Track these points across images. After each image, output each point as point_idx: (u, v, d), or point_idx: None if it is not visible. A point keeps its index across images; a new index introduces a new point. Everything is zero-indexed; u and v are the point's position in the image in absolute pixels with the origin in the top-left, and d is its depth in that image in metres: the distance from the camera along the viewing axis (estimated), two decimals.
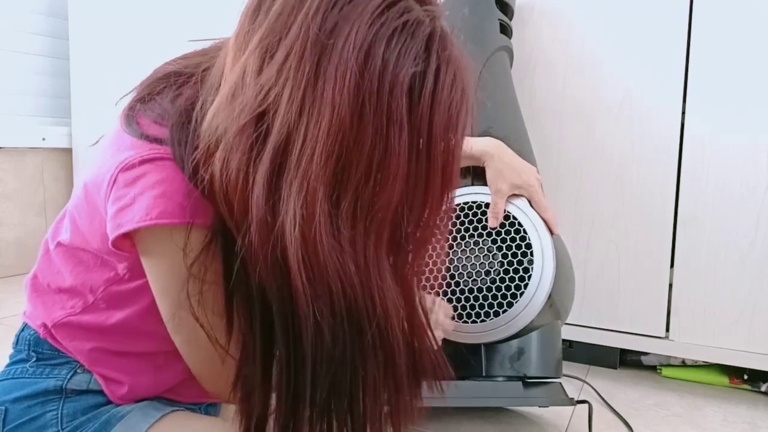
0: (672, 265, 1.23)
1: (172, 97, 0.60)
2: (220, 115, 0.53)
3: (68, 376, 0.64)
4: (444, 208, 0.59)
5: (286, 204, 0.50)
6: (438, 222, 0.60)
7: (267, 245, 0.51)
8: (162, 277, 0.58)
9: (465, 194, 0.96)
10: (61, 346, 0.65)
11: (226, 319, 0.56)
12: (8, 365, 0.67)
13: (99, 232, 0.61)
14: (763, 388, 1.20)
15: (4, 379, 0.66)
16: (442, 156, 0.55)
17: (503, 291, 0.89)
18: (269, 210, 0.50)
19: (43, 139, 2.09)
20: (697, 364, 1.28)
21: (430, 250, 0.61)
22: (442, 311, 0.85)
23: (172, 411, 0.65)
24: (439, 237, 0.62)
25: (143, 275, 0.60)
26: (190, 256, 0.55)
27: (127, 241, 0.57)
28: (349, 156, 0.50)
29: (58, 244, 0.66)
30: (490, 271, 0.91)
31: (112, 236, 0.56)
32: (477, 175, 0.98)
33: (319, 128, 0.49)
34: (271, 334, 0.55)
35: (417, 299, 0.61)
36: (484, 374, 0.91)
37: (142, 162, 0.56)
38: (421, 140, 0.53)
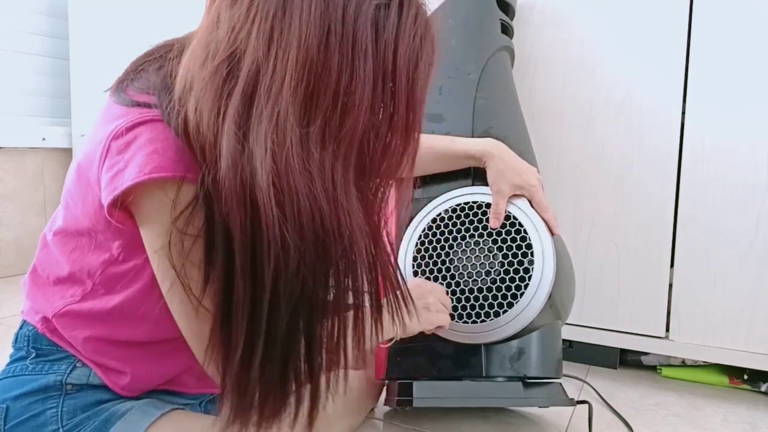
0: (672, 265, 1.23)
1: (156, 68, 0.62)
2: (193, 61, 0.56)
3: (68, 371, 0.64)
4: (410, 141, 0.61)
5: (256, 131, 0.52)
6: (404, 156, 0.62)
7: (236, 174, 0.52)
8: (157, 237, 0.58)
9: (465, 194, 0.96)
10: (61, 340, 0.65)
11: (203, 270, 0.56)
12: (8, 364, 0.68)
13: (92, 208, 0.61)
14: (763, 388, 1.20)
15: (5, 378, 0.66)
16: (406, 90, 0.58)
17: (503, 291, 0.89)
18: (240, 139, 0.52)
19: (43, 139, 2.09)
20: (697, 364, 1.28)
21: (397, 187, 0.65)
22: (435, 296, 0.86)
23: (172, 409, 0.65)
24: (407, 171, 0.64)
25: (138, 254, 0.60)
26: (177, 210, 0.55)
27: (123, 213, 0.58)
28: (317, 83, 0.53)
29: (55, 233, 0.67)
30: (490, 272, 0.91)
31: (107, 201, 0.56)
32: (477, 175, 0.98)
33: (287, 57, 0.52)
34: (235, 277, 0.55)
35: (383, 229, 0.64)
36: (484, 374, 0.91)
37: (133, 126, 0.57)
38: (385, 71, 0.56)
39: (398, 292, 0.66)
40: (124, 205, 0.57)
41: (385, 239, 0.64)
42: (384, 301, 0.64)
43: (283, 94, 0.53)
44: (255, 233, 0.52)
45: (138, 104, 0.59)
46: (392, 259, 0.65)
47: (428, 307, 0.83)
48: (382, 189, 0.63)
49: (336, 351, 0.58)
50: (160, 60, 0.63)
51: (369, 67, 0.54)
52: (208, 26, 0.56)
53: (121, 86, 0.63)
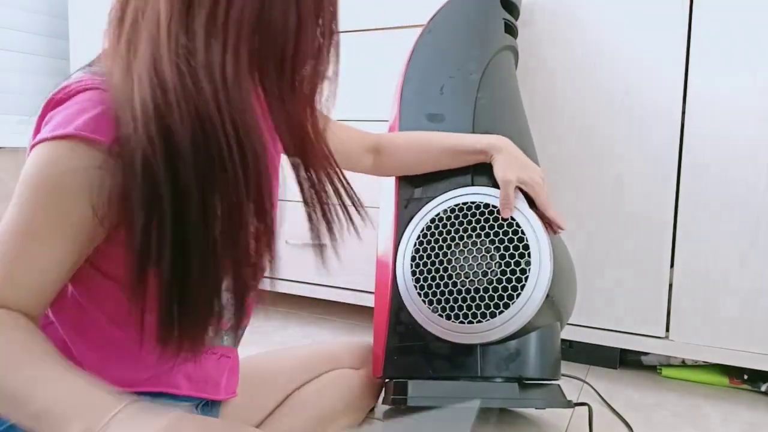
0: (672, 265, 1.22)
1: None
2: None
3: None
4: (319, 30, 0.60)
5: (139, 38, 0.54)
6: (321, 48, 0.61)
7: (127, 86, 0.53)
8: None
9: (464, 194, 0.96)
10: (51, 337, 0.64)
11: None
12: None
13: None
14: (763, 388, 1.20)
15: None
16: None
17: (500, 292, 0.89)
18: (127, 47, 0.54)
19: None
20: (697, 364, 1.28)
21: (314, 80, 0.63)
22: None
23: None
24: (326, 64, 0.63)
25: None
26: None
27: None
28: None
29: None
30: (487, 272, 0.90)
31: (28, 149, 0.56)
32: (477, 175, 0.98)
33: None
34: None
35: (313, 127, 0.63)
36: (479, 375, 0.91)
37: (74, 93, 0.57)
38: None
39: (345, 196, 0.67)
40: None
41: (321, 146, 0.64)
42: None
43: None
44: (130, 138, 0.52)
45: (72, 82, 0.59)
46: (330, 161, 0.65)
47: None
48: (308, 89, 0.62)
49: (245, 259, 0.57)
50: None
51: None
52: None
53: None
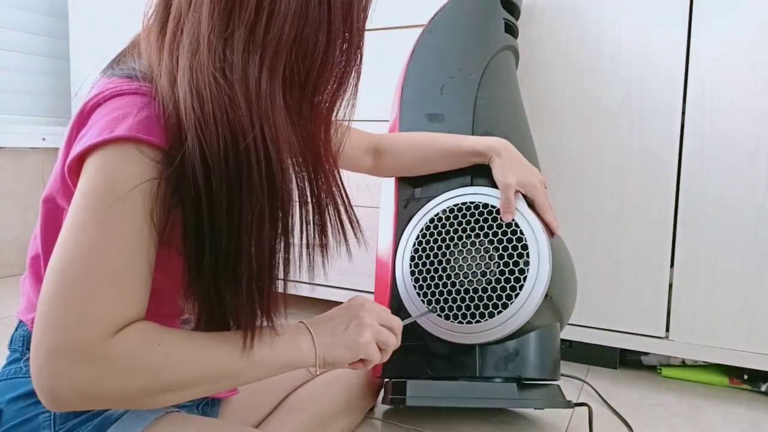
0: (672, 265, 1.22)
1: (136, 57, 0.62)
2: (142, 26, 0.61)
3: None
4: (351, 57, 0.63)
5: (181, 46, 0.56)
6: (344, 71, 0.63)
7: (172, 92, 0.54)
8: None
9: (463, 195, 0.96)
10: None
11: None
12: (4, 366, 0.67)
13: (57, 181, 0.62)
14: (763, 388, 1.20)
15: (0, 381, 0.66)
16: (343, 5, 0.59)
17: (498, 292, 0.89)
18: (171, 57, 0.56)
19: (43, 139, 2.09)
20: (697, 364, 1.28)
21: (336, 100, 0.65)
22: (375, 317, 0.74)
23: (167, 413, 0.64)
24: (346, 87, 0.65)
25: None
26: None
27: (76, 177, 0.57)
28: None
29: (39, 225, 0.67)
30: (486, 273, 0.90)
31: (69, 160, 0.56)
32: (476, 175, 0.98)
33: None
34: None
35: (324, 143, 0.65)
36: (478, 375, 0.91)
37: (109, 97, 0.57)
38: None
39: (345, 216, 0.67)
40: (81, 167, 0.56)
41: (330, 161, 0.65)
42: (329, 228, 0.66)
43: (203, 6, 0.55)
44: (180, 145, 0.53)
45: (119, 77, 0.59)
46: (337, 180, 0.66)
47: (362, 324, 0.71)
48: (325, 108, 0.64)
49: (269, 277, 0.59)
50: (137, 51, 0.64)
51: None
52: None
53: (100, 76, 0.63)
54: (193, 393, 0.57)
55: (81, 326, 0.50)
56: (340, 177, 0.68)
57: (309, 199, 0.64)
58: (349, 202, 0.69)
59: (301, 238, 0.64)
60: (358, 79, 0.66)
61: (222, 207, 0.54)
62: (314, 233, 0.65)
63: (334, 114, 0.66)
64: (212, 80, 0.54)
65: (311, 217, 0.65)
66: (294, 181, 0.61)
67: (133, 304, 0.54)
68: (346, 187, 0.69)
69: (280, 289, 0.62)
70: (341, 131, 0.69)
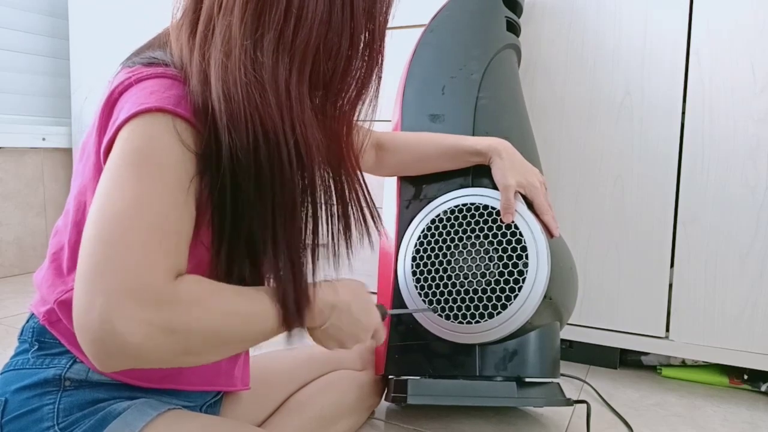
0: (672, 265, 1.23)
1: (161, 45, 0.64)
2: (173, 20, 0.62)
3: (68, 365, 0.64)
4: (373, 61, 0.65)
5: (212, 46, 0.57)
6: (369, 76, 0.65)
7: (202, 90, 0.56)
8: None
9: (464, 196, 0.96)
10: (61, 333, 0.65)
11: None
12: (12, 357, 0.68)
13: (90, 171, 0.62)
14: (763, 388, 1.20)
15: (7, 371, 0.66)
16: (364, 7, 0.61)
17: (497, 293, 0.89)
18: (203, 57, 0.57)
19: (43, 139, 2.09)
20: (697, 364, 1.28)
21: (359, 101, 0.67)
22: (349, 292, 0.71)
23: (169, 409, 0.64)
24: (368, 89, 0.67)
25: None
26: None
27: None
28: None
29: (63, 216, 0.68)
30: (485, 273, 0.91)
31: (105, 143, 0.57)
32: (476, 176, 0.98)
33: None
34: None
35: (346, 143, 0.67)
36: (478, 374, 0.91)
37: (135, 82, 0.58)
38: None
39: (367, 212, 0.69)
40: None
41: (351, 159, 0.67)
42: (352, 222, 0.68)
43: (234, 10, 0.57)
44: (213, 145, 0.55)
45: (143, 64, 0.60)
46: (359, 178, 0.68)
47: (369, 312, 0.71)
48: (348, 109, 0.66)
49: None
50: (162, 42, 0.65)
51: None
52: None
53: (125, 63, 0.64)
54: (241, 347, 0.58)
55: (146, 269, 0.49)
56: (362, 175, 0.70)
57: (333, 196, 0.66)
58: (371, 198, 0.71)
59: (327, 233, 0.66)
60: (380, 81, 0.67)
61: (252, 200, 0.56)
62: (339, 227, 0.67)
63: (356, 114, 0.67)
64: (244, 79, 0.55)
65: (336, 211, 0.66)
66: (319, 178, 0.63)
67: (182, 257, 0.54)
68: (367, 184, 0.71)
69: (309, 280, 0.63)
70: (363, 132, 0.70)
